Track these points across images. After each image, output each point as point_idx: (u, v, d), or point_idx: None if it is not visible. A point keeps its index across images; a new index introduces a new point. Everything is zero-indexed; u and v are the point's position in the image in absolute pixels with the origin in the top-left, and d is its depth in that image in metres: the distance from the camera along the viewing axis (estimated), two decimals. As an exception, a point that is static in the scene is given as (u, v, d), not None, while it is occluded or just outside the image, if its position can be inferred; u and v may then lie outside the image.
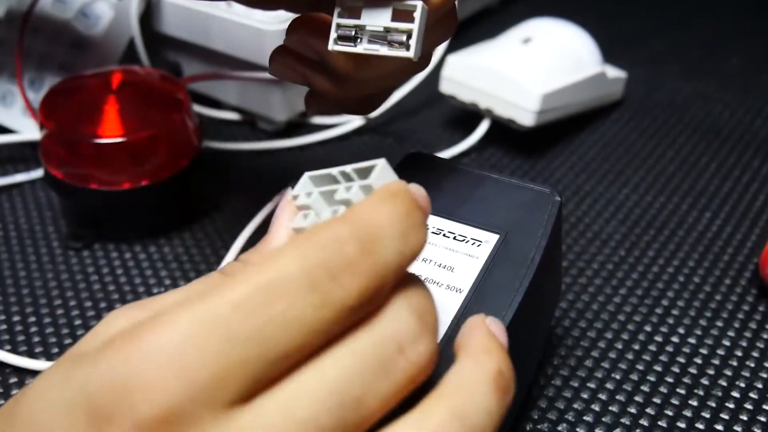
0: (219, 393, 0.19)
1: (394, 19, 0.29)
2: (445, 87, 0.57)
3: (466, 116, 0.59)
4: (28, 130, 0.55)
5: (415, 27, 0.29)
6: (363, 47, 0.30)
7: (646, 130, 0.60)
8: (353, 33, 0.30)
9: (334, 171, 0.27)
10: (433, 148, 0.57)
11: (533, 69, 0.54)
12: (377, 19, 0.29)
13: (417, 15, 0.29)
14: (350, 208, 0.22)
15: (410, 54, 0.29)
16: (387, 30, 0.29)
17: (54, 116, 0.46)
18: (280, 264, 0.20)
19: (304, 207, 0.27)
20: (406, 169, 0.37)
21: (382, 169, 0.26)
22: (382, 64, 0.32)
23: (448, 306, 0.31)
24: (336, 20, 0.30)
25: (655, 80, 0.67)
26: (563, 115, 0.56)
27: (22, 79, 0.54)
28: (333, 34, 0.30)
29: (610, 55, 0.62)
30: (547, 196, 0.35)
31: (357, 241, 0.21)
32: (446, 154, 0.56)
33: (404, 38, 0.29)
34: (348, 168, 0.27)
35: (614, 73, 0.61)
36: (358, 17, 0.29)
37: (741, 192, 0.53)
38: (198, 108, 0.59)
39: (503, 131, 0.57)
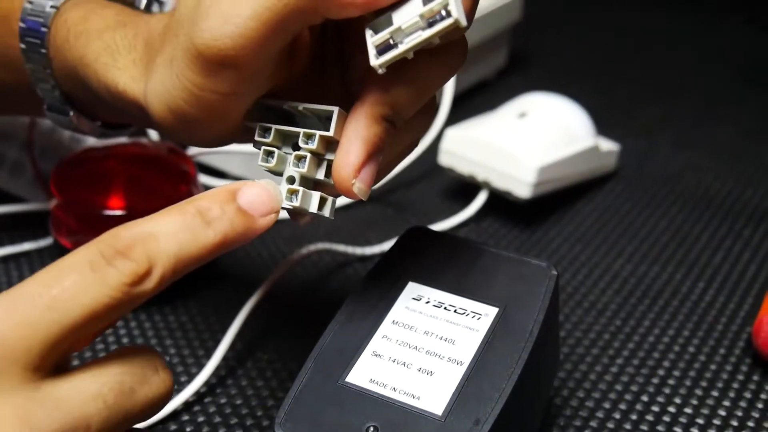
0: (24, 351, 0.24)
1: (425, 4, 0.28)
2: (444, 159, 0.59)
3: (465, 187, 0.61)
4: (37, 200, 0.57)
5: None
6: (407, 42, 0.28)
7: (639, 200, 0.62)
8: (390, 41, 0.28)
9: (285, 106, 0.31)
10: (432, 218, 0.58)
11: (529, 143, 0.56)
12: (409, 14, 0.28)
13: None
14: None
15: (454, 16, 0.27)
16: (422, 16, 0.28)
17: (65, 187, 0.48)
18: (72, 253, 0.26)
19: (263, 144, 0.32)
20: (407, 244, 0.38)
21: (338, 118, 0.30)
22: (426, 66, 0.31)
23: (449, 378, 0.32)
24: (370, 41, 0.29)
25: (648, 151, 0.69)
26: (559, 187, 0.58)
27: (33, 149, 0.56)
28: (372, 51, 0.28)
29: (603, 125, 0.64)
30: (544, 270, 0.36)
31: (131, 236, 0.26)
32: (445, 224, 0.57)
33: (443, 11, 0.27)
34: (300, 106, 0.31)
35: (607, 145, 0.63)
36: (391, 24, 0.28)
37: (733, 261, 0.55)
38: (204, 178, 0.61)
39: (501, 202, 0.59)
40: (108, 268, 0.25)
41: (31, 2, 0.37)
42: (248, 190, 0.29)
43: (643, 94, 0.80)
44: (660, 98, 0.79)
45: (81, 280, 0.25)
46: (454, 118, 0.64)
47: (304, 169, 0.31)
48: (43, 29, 0.37)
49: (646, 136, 0.72)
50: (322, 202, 0.32)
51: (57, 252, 0.48)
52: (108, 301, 0.25)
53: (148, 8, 0.39)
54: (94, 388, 0.25)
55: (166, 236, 0.26)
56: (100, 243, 0.26)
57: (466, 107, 0.71)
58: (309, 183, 0.32)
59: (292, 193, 0.31)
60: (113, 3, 0.38)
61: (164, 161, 0.51)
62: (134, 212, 0.46)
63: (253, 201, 0.29)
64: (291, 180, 0.32)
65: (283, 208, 0.31)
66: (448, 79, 0.32)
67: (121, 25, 0.35)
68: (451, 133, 0.59)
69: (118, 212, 0.46)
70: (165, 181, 0.49)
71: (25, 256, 0.54)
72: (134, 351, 0.27)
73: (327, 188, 0.32)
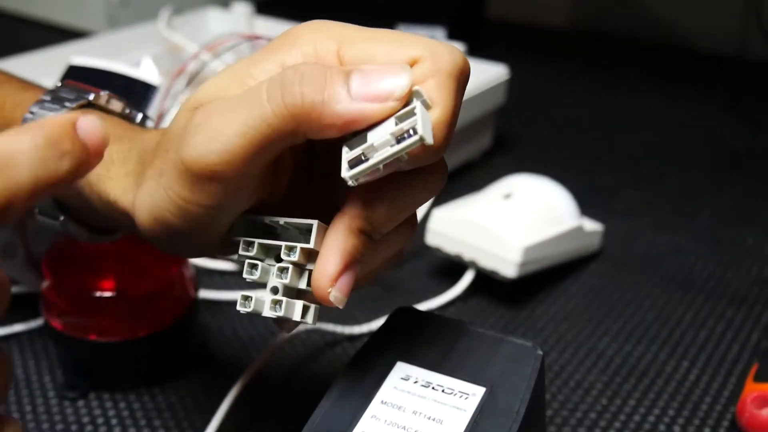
0: None
1: (397, 124, 0.29)
2: (431, 239, 0.60)
3: (452, 267, 0.62)
4: (29, 281, 0.57)
5: (418, 116, 0.29)
6: (375, 157, 0.29)
7: (623, 280, 0.63)
8: (362, 156, 0.30)
9: (267, 220, 0.33)
10: (420, 297, 0.59)
11: (514, 223, 0.58)
12: (382, 133, 0.29)
13: (417, 109, 0.29)
14: None
15: (420, 133, 0.28)
16: (393, 134, 0.29)
17: (57, 269, 0.48)
18: None
19: (247, 258, 0.33)
20: (394, 324, 0.39)
21: (318, 231, 0.32)
22: (404, 186, 0.32)
23: (437, 458, 0.32)
24: (344, 157, 0.30)
25: (631, 232, 0.71)
26: (544, 266, 0.59)
27: (25, 232, 0.57)
28: (345, 165, 0.30)
29: (587, 207, 0.66)
30: (530, 349, 0.37)
31: None
32: (433, 303, 0.58)
33: (411, 130, 0.29)
34: (281, 220, 0.32)
35: (591, 226, 0.65)
36: (365, 141, 0.30)
37: (716, 341, 0.55)
38: (194, 258, 0.62)
39: (487, 282, 0.60)
40: None
41: (32, 113, 0.39)
42: (86, 123, 0.26)
43: (625, 177, 0.82)
44: (641, 182, 0.81)
45: None
46: (440, 199, 0.65)
47: (286, 280, 0.32)
48: None
49: (629, 218, 0.73)
50: (305, 309, 0.33)
51: (47, 333, 0.49)
52: None
53: (143, 123, 0.41)
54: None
55: (22, 167, 0.25)
56: None
57: (452, 188, 0.73)
58: (293, 292, 0.33)
59: (276, 303, 0.32)
60: (112, 116, 0.39)
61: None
62: (125, 293, 0.47)
63: (89, 135, 0.27)
64: (275, 290, 0.33)
65: (267, 317, 0.32)
66: (427, 200, 0.33)
67: (117, 138, 0.37)
68: (438, 213, 0.60)
69: (108, 294, 0.47)
70: (156, 262, 0.50)
71: (15, 337, 0.54)
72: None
73: (310, 296, 0.33)
